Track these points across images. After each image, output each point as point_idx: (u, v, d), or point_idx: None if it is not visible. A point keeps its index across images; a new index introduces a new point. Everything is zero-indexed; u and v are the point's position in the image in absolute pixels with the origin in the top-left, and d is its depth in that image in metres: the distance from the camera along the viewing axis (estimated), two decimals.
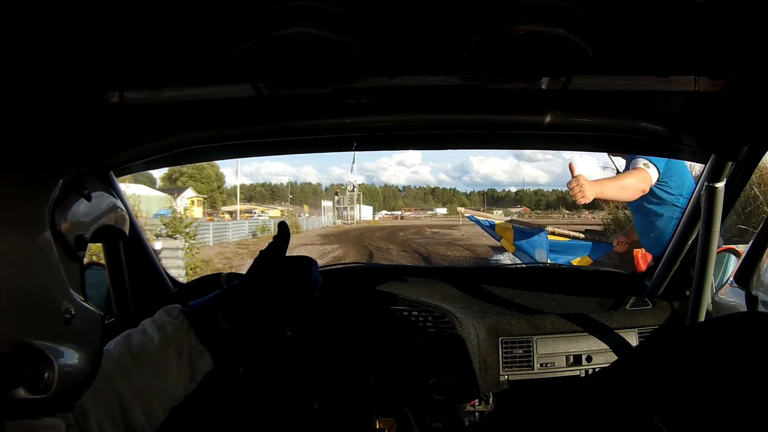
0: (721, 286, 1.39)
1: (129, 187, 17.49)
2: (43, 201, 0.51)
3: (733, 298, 1.28)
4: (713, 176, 1.04)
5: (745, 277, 1.24)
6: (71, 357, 0.52)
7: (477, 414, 1.29)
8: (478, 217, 3.60)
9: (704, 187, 1.07)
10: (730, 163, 1.02)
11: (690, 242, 1.25)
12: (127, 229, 0.65)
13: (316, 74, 0.78)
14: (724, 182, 1.05)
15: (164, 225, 10.42)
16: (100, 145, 0.94)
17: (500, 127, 0.99)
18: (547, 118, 0.94)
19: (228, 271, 1.29)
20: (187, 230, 10.37)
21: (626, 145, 1.21)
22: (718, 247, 1.26)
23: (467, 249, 15.11)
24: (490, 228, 3.41)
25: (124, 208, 0.64)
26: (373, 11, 0.60)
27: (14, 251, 0.48)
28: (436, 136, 1.17)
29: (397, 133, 1.13)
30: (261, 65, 0.69)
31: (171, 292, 1.39)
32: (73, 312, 0.52)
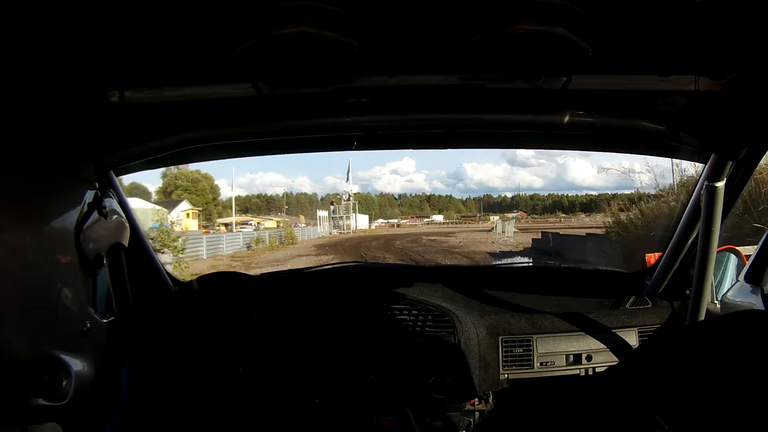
0: (730, 287, 1.38)
1: None
2: (70, 222, 0.53)
3: (743, 297, 1.27)
4: (713, 176, 1.04)
5: (756, 275, 1.24)
6: (86, 367, 0.55)
7: (477, 413, 1.29)
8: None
9: (704, 187, 1.06)
10: (730, 162, 1.01)
11: (690, 242, 1.25)
12: (127, 241, 0.68)
13: (316, 73, 0.78)
14: (724, 182, 1.04)
15: (151, 239, 10.13)
16: (100, 145, 0.95)
17: (500, 126, 1.00)
18: (548, 118, 0.94)
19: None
20: (175, 244, 10.14)
21: (626, 144, 1.21)
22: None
23: (465, 256, 14.93)
24: None
25: (125, 217, 0.66)
26: (373, 11, 0.60)
27: (44, 272, 0.50)
28: (437, 135, 1.17)
29: (398, 132, 1.13)
30: (261, 64, 0.69)
31: (171, 290, 1.39)
32: (89, 325, 0.56)
